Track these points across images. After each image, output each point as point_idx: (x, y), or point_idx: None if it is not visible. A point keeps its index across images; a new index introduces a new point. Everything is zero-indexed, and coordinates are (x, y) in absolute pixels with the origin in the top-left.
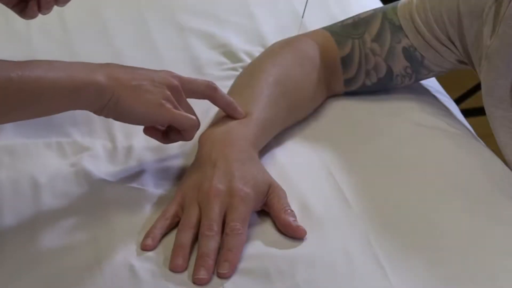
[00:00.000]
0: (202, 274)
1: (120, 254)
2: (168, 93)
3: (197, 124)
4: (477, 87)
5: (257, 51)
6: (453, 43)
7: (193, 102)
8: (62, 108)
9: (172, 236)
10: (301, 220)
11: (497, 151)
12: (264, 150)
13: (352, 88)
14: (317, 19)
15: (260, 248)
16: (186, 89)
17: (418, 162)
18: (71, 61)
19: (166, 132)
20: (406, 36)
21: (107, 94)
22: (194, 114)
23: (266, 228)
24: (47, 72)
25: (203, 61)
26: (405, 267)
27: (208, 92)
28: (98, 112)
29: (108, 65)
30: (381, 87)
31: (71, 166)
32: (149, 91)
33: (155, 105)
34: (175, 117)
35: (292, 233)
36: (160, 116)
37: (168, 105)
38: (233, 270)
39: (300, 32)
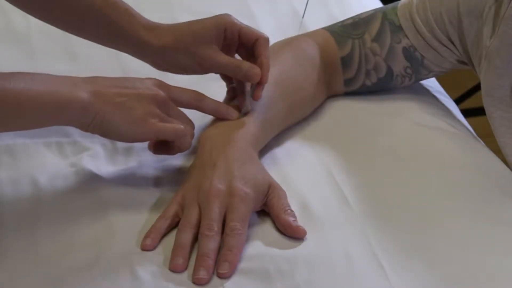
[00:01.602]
0: (202, 274)
1: (120, 254)
2: (153, 107)
3: (185, 132)
4: (477, 87)
5: None
6: (453, 43)
7: None
8: (46, 123)
9: (172, 236)
10: (301, 220)
11: (497, 151)
12: (264, 150)
13: (352, 88)
14: (317, 19)
15: (260, 248)
16: (172, 98)
17: (418, 162)
18: (70, 62)
19: (170, 144)
20: (406, 36)
21: (91, 113)
22: (187, 120)
23: (266, 228)
24: (30, 86)
25: None
26: (405, 267)
27: (195, 102)
28: (84, 129)
29: (93, 79)
30: (381, 87)
31: (71, 166)
32: (133, 108)
33: (139, 122)
34: (160, 131)
35: (292, 233)
36: (144, 133)
37: (153, 120)
38: (233, 270)
39: (300, 32)
